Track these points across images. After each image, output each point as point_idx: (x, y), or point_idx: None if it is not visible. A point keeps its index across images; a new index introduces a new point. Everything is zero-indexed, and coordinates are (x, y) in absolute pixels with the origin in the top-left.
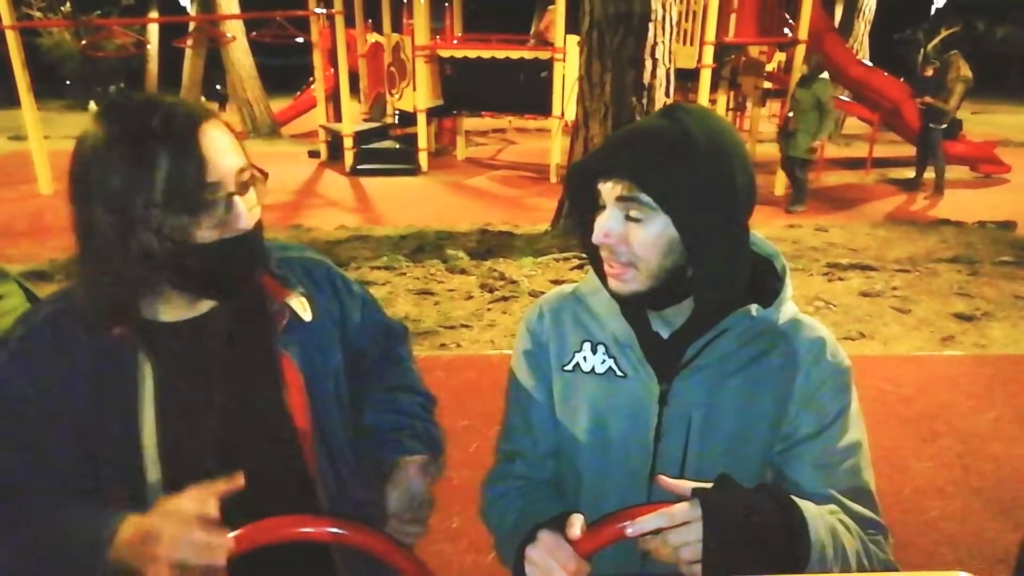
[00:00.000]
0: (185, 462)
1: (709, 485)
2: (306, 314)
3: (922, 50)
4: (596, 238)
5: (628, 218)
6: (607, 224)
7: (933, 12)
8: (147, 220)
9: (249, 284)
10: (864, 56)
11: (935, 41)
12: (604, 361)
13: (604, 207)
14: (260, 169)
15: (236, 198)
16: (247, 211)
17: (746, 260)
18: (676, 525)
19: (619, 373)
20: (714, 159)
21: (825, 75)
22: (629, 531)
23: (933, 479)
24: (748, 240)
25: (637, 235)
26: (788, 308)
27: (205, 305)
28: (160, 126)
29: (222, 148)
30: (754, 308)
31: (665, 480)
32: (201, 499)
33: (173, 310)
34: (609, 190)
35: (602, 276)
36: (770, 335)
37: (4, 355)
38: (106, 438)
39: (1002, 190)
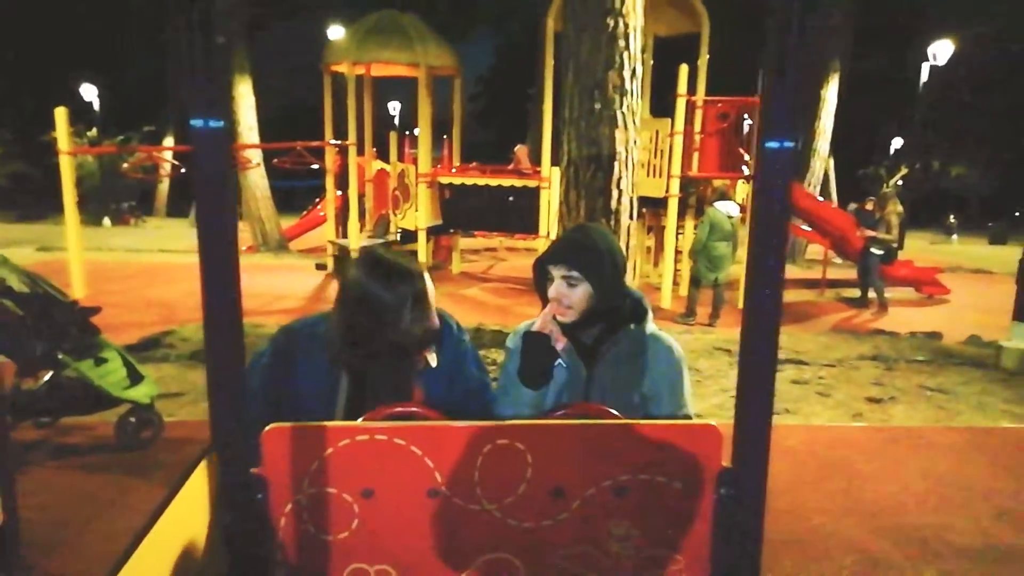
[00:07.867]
0: None
1: None
2: (434, 362)
3: (884, 185)
4: (551, 294)
5: (569, 284)
6: (558, 289)
7: (892, 152)
8: (394, 325)
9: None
10: (832, 190)
11: (896, 178)
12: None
13: (553, 280)
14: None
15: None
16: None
17: (623, 297)
18: None
19: (564, 365)
20: (607, 249)
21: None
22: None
23: (821, 503)
24: (624, 286)
25: (574, 293)
26: (651, 326)
27: None
28: (415, 287)
29: (432, 296)
30: (633, 325)
31: None
32: None
33: None
34: (556, 270)
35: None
36: (642, 341)
37: (270, 348)
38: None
39: (941, 308)
